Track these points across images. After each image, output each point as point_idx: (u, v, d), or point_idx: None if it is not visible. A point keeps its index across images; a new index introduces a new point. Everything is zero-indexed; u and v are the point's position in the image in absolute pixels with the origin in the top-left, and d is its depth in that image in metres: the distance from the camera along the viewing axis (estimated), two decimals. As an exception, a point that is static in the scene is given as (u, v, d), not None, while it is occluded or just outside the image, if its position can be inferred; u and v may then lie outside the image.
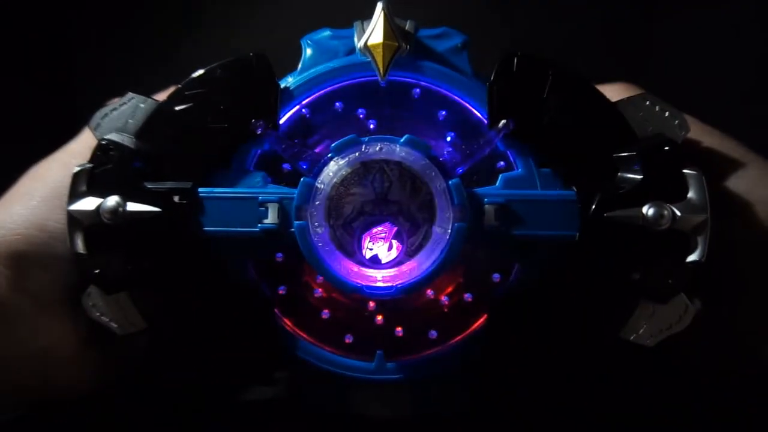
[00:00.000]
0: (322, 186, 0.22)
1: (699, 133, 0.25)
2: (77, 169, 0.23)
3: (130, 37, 0.41)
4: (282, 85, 0.24)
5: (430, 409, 0.24)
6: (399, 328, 0.24)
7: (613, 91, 0.24)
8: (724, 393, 0.24)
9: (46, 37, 0.40)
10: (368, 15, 0.25)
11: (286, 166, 0.24)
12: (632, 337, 0.23)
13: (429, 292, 0.24)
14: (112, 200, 0.22)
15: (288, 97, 0.24)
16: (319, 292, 0.24)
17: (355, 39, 0.24)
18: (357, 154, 0.22)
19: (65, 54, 0.40)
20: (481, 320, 0.23)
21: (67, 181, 0.23)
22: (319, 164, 0.22)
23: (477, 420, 0.25)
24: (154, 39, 0.40)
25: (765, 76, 0.36)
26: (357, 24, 0.25)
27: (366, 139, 0.22)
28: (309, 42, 0.25)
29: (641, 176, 0.22)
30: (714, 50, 0.38)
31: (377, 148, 0.22)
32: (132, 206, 0.22)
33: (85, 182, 0.23)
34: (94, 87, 0.28)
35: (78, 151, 0.25)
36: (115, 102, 0.24)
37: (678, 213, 0.22)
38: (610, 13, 0.40)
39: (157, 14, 0.40)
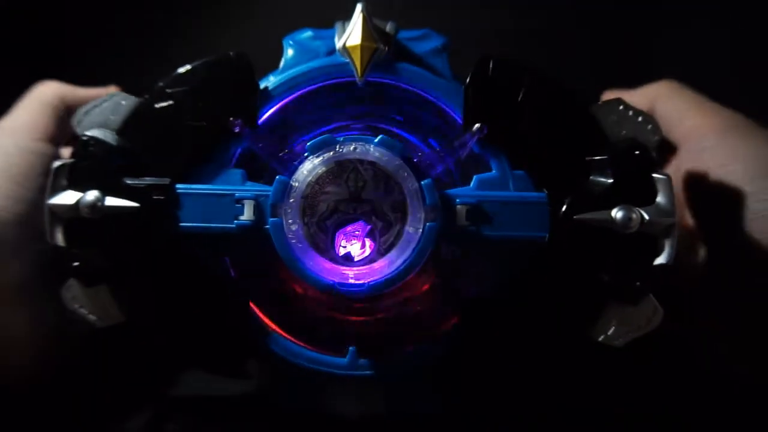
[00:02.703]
0: (297, 184, 0.22)
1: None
2: (58, 163, 0.23)
3: (120, 35, 0.41)
4: (262, 85, 0.24)
5: (401, 408, 0.24)
6: (373, 327, 0.24)
7: (655, 90, 0.24)
8: (701, 392, 0.25)
9: (39, 34, 0.40)
10: (351, 15, 0.25)
11: (266, 164, 0.24)
12: (601, 338, 0.23)
13: (403, 292, 0.24)
14: (91, 195, 0.23)
15: (267, 96, 0.24)
16: (294, 289, 0.24)
17: (336, 39, 0.25)
18: (332, 153, 0.23)
19: (56, 52, 0.40)
20: (454, 321, 0.24)
21: (9, 167, 0.24)
22: (295, 163, 0.23)
23: (448, 420, 0.25)
24: (144, 38, 0.41)
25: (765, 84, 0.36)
26: (338, 24, 0.25)
27: (341, 138, 0.23)
28: (290, 42, 0.26)
29: (612, 180, 0.22)
30: (715, 59, 0.38)
31: (352, 148, 0.22)
32: (111, 201, 0.23)
33: (65, 177, 0.23)
34: (83, 84, 0.28)
35: (12, 128, 0.25)
36: (98, 99, 0.24)
37: (647, 216, 0.22)
38: (609, 18, 0.40)
39: (147, 13, 0.41)
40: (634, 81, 0.27)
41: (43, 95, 0.27)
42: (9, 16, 0.39)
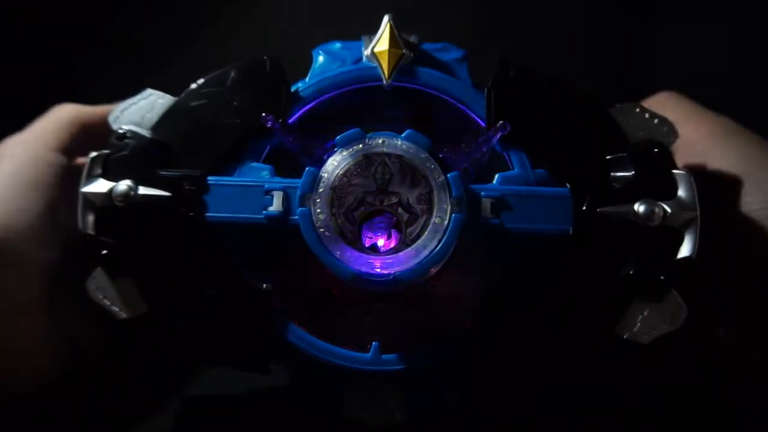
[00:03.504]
0: (326, 176, 0.23)
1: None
2: (94, 154, 0.24)
3: (130, 34, 0.42)
4: (292, 90, 0.25)
5: (422, 405, 0.24)
6: (396, 323, 0.24)
7: (658, 100, 0.25)
8: (720, 393, 0.24)
9: (49, 32, 0.41)
10: (376, 31, 0.26)
11: (294, 161, 0.25)
12: (627, 335, 0.23)
13: (426, 287, 0.24)
14: (124, 184, 0.23)
15: (298, 99, 0.25)
16: (318, 284, 0.25)
17: (363, 49, 0.26)
18: (360, 146, 0.23)
19: (57, 52, 0.41)
20: (479, 317, 0.24)
21: (19, 177, 0.24)
22: (324, 156, 0.23)
23: (469, 418, 0.24)
24: (153, 37, 0.42)
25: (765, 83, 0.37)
26: (365, 37, 0.27)
27: (370, 133, 0.23)
28: (320, 52, 0.27)
29: (633, 174, 0.23)
30: (715, 60, 0.39)
31: (380, 141, 0.23)
32: (143, 190, 0.23)
33: (100, 166, 0.24)
34: (93, 86, 0.29)
35: (27, 139, 0.25)
36: (135, 97, 0.25)
37: (668, 210, 0.23)
38: (609, 25, 0.41)
39: (164, 16, 0.42)
40: (634, 82, 0.28)
41: (60, 111, 0.27)
42: (9, 16, 0.39)
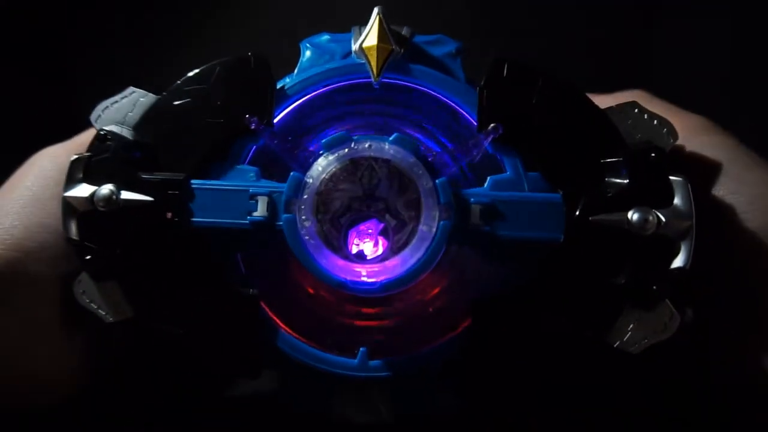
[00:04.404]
0: (311, 180, 0.23)
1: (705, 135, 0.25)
2: (75, 157, 0.23)
3: (130, 34, 0.41)
4: (279, 85, 0.25)
5: (411, 410, 0.24)
6: (384, 328, 0.24)
7: (627, 96, 0.24)
8: (718, 391, 0.24)
9: (47, 33, 0.40)
10: (367, 21, 0.25)
11: (280, 163, 0.24)
12: (617, 344, 0.23)
13: (415, 293, 0.24)
14: (106, 188, 0.23)
15: (284, 96, 0.25)
16: (305, 289, 0.24)
17: (352, 42, 0.25)
18: (346, 150, 0.23)
19: (65, 51, 0.40)
20: (466, 322, 0.23)
21: (43, 191, 0.23)
22: (310, 160, 0.23)
23: (459, 423, 0.24)
24: (154, 37, 0.41)
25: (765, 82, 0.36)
26: (355, 29, 0.26)
27: (356, 136, 0.23)
28: (308, 45, 0.26)
29: (627, 181, 0.22)
30: (715, 57, 0.38)
31: (366, 145, 0.23)
32: (126, 194, 0.23)
33: (81, 170, 0.23)
34: (92, 86, 0.28)
35: (57, 152, 0.25)
36: (117, 96, 0.25)
37: (663, 219, 0.22)
38: (608, 21, 0.40)
39: (158, 13, 0.41)
40: (634, 82, 0.27)
41: None
42: (9, 16, 0.39)
